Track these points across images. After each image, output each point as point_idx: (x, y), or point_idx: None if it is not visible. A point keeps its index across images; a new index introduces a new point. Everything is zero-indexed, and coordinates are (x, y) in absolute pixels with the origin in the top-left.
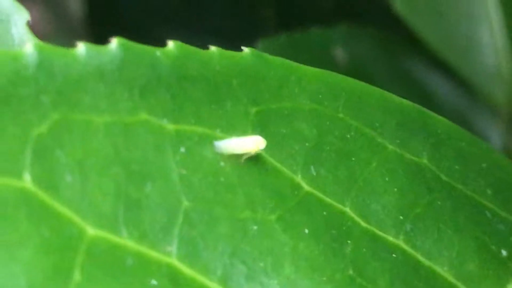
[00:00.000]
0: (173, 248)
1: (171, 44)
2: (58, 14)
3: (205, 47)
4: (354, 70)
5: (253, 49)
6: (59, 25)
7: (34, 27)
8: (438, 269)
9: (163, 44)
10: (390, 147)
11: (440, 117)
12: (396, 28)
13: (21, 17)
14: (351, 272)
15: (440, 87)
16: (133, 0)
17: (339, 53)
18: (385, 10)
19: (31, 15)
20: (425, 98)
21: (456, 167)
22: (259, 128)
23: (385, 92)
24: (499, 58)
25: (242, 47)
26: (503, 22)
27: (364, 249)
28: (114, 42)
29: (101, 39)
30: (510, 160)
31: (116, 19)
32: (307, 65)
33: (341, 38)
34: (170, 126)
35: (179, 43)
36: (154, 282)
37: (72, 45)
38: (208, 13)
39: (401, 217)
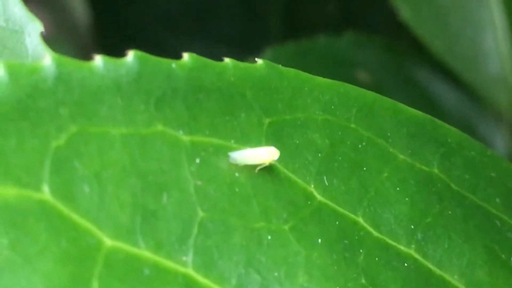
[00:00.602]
0: (188, 258)
1: (186, 56)
2: (63, 21)
3: (211, 55)
4: (360, 78)
5: (267, 60)
6: (64, 31)
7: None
8: (448, 277)
9: (168, 52)
10: (401, 157)
11: (450, 127)
12: (402, 35)
13: (34, 27)
14: (363, 281)
15: (445, 93)
16: (138, 7)
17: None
18: (391, 18)
19: None
20: (430, 105)
21: (466, 176)
22: (273, 138)
23: (396, 102)
24: (504, 65)
25: (256, 59)
26: (508, 29)
27: (376, 258)
28: (131, 55)
29: (106, 46)
30: None
31: (121, 27)
32: (315, 73)
33: (348, 46)
34: (185, 138)
35: (194, 55)
36: None
37: (77, 51)
38: (215, 21)
39: (412, 226)
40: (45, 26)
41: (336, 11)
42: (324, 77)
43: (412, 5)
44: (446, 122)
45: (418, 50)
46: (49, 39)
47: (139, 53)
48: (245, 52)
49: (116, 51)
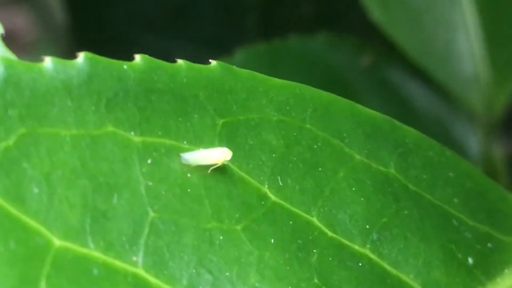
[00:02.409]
0: (139, 258)
1: (137, 57)
2: (44, 23)
3: (190, 56)
4: (333, 79)
5: (221, 62)
6: (45, 33)
7: (20, 36)
8: (404, 277)
9: (148, 52)
10: (358, 157)
11: (408, 128)
12: (376, 37)
13: None
14: (316, 280)
15: (418, 94)
16: (117, 9)
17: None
18: (365, 19)
19: (17, 24)
20: (404, 105)
21: (424, 176)
22: (226, 139)
23: (354, 103)
24: (477, 64)
25: (210, 60)
26: (480, 29)
27: (330, 258)
28: (81, 56)
29: (86, 48)
30: (479, 169)
31: (100, 28)
32: (287, 73)
33: (320, 46)
34: (137, 138)
35: (146, 56)
36: None
37: (59, 55)
38: (194, 22)
39: (367, 226)
40: (25, 28)
41: (313, 12)
42: (296, 77)
43: (383, 6)
44: (420, 122)
45: (391, 50)
46: (30, 41)
47: (90, 54)
48: (224, 53)
49: (97, 53)
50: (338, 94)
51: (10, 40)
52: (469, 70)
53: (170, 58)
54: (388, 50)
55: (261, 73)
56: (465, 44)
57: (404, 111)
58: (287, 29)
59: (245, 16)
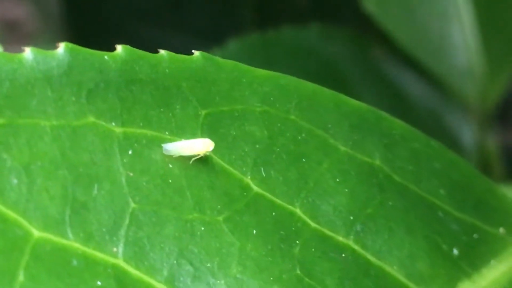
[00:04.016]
0: (119, 249)
1: (119, 48)
2: (42, 14)
3: (186, 48)
4: (326, 70)
5: (204, 52)
6: (44, 24)
7: (20, 26)
8: (388, 268)
9: (144, 46)
10: (343, 148)
11: (394, 119)
12: (369, 28)
13: None
14: (298, 272)
15: (412, 85)
16: (113, 1)
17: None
18: (359, 10)
19: (17, 14)
20: (398, 97)
21: (410, 167)
22: (209, 130)
23: (339, 94)
24: (471, 56)
25: (193, 51)
26: (474, 20)
27: (313, 249)
28: (61, 47)
29: (82, 39)
30: (472, 160)
31: (96, 20)
32: (280, 64)
33: (314, 38)
34: (118, 129)
35: (127, 47)
36: (99, 283)
37: (54, 44)
38: (190, 14)
39: (351, 218)
40: (25, 19)
41: (308, 4)
42: (289, 68)
43: None
44: (414, 114)
45: (385, 42)
46: (29, 32)
47: (70, 45)
48: (218, 44)
49: (93, 46)
50: (331, 86)
51: (10, 31)
52: (463, 62)
53: (166, 49)
54: (382, 41)
55: (254, 64)
56: (459, 36)
57: (398, 102)
58: (281, 21)
59: (240, 7)
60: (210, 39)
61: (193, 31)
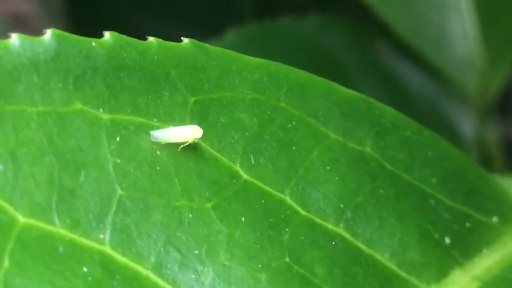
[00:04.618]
0: (106, 236)
1: (107, 34)
2: (49, 9)
3: (180, 37)
4: (325, 60)
5: (193, 39)
6: (49, 18)
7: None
8: (379, 256)
9: (141, 36)
10: (333, 136)
11: (385, 106)
12: (368, 18)
13: None
14: (287, 259)
15: (411, 76)
16: None
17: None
18: (358, 1)
19: (22, 9)
20: (396, 87)
21: (401, 155)
22: (198, 117)
23: (330, 82)
24: (470, 47)
25: (182, 38)
26: (474, 11)
27: (302, 237)
28: (48, 33)
29: (81, 31)
30: (459, 149)
31: (96, 11)
32: (278, 54)
33: (313, 28)
34: (105, 116)
35: (115, 33)
36: (85, 269)
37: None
38: (186, 3)
39: (341, 205)
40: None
41: None
42: (287, 58)
43: None
44: (413, 105)
45: (383, 33)
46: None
47: (57, 31)
48: (217, 34)
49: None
50: (329, 76)
51: (18, 26)
52: (462, 53)
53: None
54: (381, 32)
55: (252, 55)
56: (459, 26)
57: (396, 93)
58: (280, 11)
59: None
60: (208, 30)
61: (191, 22)
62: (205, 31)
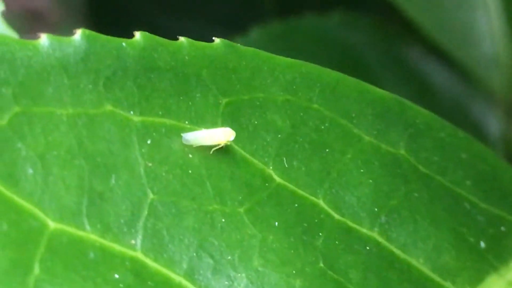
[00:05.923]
0: (137, 241)
1: (137, 34)
2: (65, 3)
3: (206, 36)
4: (349, 58)
5: (224, 39)
6: (67, 14)
7: (44, 16)
8: (413, 261)
9: (162, 33)
10: (366, 138)
11: (419, 108)
12: (393, 15)
13: None
14: (321, 265)
15: (437, 75)
16: None
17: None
18: None
19: (40, 4)
20: (422, 86)
21: (435, 158)
22: (230, 119)
23: (363, 82)
24: (497, 45)
25: (214, 38)
26: (501, 8)
27: (336, 242)
28: (78, 33)
29: (103, 29)
30: (492, 151)
31: (117, 10)
32: (302, 52)
33: (337, 25)
34: (136, 118)
35: (146, 33)
36: (116, 276)
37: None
38: (209, 1)
39: (376, 209)
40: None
41: None
42: (311, 56)
43: None
44: (438, 103)
45: (409, 30)
46: (57, 23)
47: (87, 31)
48: (239, 32)
49: (114, 35)
50: (354, 74)
51: (34, 21)
52: (489, 51)
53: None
54: (406, 30)
55: (276, 52)
56: (486, 25)
57: (421, 91)
58: (303, 8)
59: None
60: (231, 28)
61: (214, 20)
62: (228, 29)
